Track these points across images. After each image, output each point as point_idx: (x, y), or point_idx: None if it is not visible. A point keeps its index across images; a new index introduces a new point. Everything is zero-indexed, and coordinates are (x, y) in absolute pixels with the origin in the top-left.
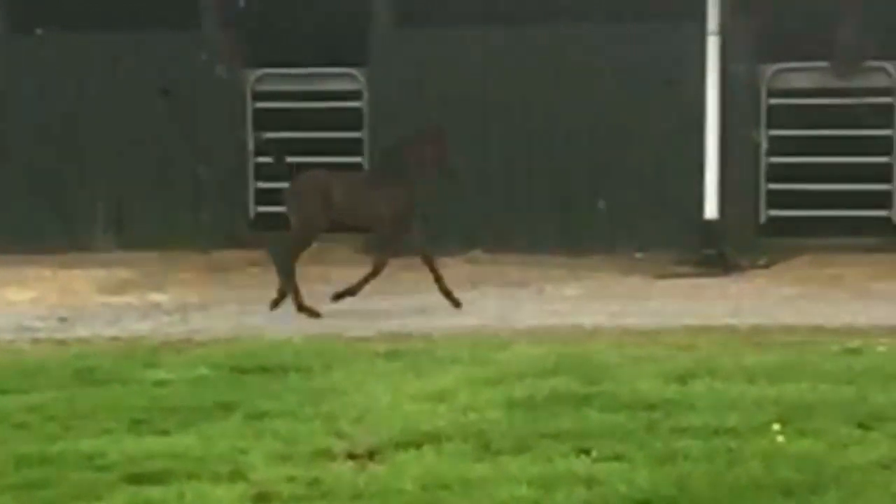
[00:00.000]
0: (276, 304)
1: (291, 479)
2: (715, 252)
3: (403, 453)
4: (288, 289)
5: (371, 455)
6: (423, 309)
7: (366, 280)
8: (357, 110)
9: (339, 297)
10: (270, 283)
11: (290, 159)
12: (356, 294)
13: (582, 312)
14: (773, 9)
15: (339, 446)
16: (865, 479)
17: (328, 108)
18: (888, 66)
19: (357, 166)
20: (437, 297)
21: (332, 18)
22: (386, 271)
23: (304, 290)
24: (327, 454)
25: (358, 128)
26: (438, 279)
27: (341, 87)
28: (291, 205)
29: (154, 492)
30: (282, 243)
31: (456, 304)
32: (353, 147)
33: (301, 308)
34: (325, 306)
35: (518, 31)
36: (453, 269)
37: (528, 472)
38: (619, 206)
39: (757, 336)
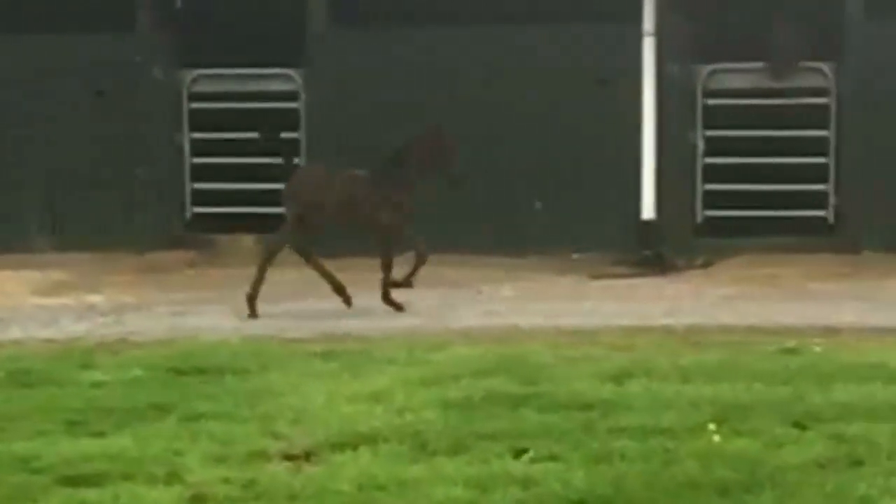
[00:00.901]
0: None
1: (227, 481)
2: (652, 253)
3: (339, 454)
4: (255, 282)
5: (307, 456)
6: (360, 310)
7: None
8: (294, 111)
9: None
10: (209, 285)
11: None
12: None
13: (519, 313)
14: (709, 10)
15: (275, 447)
16: (801, 478)
17: (265, 109)
18: (823, 66)
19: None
20: (373, 298)
21: (269, 19)
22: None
23: (239, 291)
24: (263, 455)
25: (295, 128)
26: (402, 283)
27: (278, 88)
28: (288, 199)
29: (89, 494)
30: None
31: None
32: (291, 147)
33: (251, 300)
34: (260, 309)
35: (454, 32)
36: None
37: (464, 473)
38: (556, 207)
39: (693, 336)
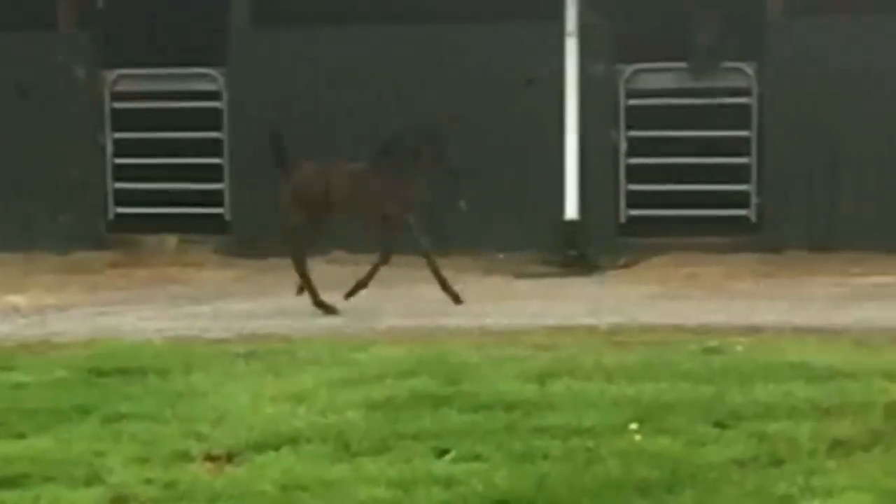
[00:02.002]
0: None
1: (149, 482)
2: (576, 252)
3: (262, 455)
4: (302, 281)
5: (229, 457)
6: (283, 310)
7: (438, 276)
8: (216, 110)
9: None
10: (133, 285)
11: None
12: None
13: (443, 313)
14: (631, 10)
15: (198, 448)
16: (721, 477)
17: (187, 109)
18: (745, 66)
19: (219, 167)
20: (297, 298)
21: (191, 19)
22: (246, 272)
23: (162, 292)
24: (185, 456)
25: (217, 128)
26: (439, 279)
27: (200, 88)
28: (287, 198)
29: (10, 496)
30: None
31: (456, 300)
32: (213, 147)
33: (316, 303)
34: (181, 309)
35: (378, 31)
36: (314, 270)
37: (387, 473)
38: (481, 207)
39: (616, 335)
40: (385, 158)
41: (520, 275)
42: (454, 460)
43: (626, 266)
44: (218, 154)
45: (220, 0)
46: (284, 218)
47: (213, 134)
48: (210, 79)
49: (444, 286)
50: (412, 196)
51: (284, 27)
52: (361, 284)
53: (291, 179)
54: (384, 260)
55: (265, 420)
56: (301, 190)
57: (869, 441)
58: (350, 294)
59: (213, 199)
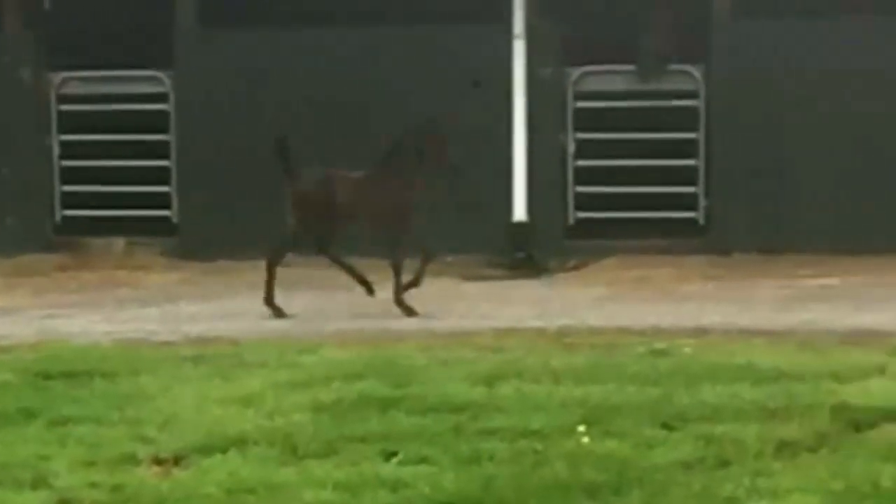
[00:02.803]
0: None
1: (95, 486)
2: (524, 254)
3: (209, 458)
4: (266, 278)
5: (176, 460)
6: (231, 313)
7: (399, 284)
8: (163, 113)
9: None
10: (80, 288)
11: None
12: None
13: (391, 315)
14: (579, 12)
15: (144, 451)
16: (668, 478)
17: (134, 111)
18: (692, 69)
19: (166, 170)
20: (244, 301)
21: (138, 21)
22: (194, 275)
23: (109, 294)
24: (132, 459)
25: (165, 130)
26: (412, 283)
27: (147, 90)
28: (292, 204)
29: None
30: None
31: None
32: (161, 149)
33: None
34: (128, 312)
35: (326, 34)
36: (261, 272)
37: (334, 476)
38: (429, 209)
39: (565, 338)
40: (389, 162)
41: (468, 277)
42: (401, 463)
43: (574, 268)
44: (165, 156)
45: (167, 2)
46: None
47: (161, 136)
48: (157, 81)
49: (400, 293)
50: (416, 199)
51: (231, 29)
52: (413, 284)
53: (295, 185)
54: (428, 258)
55: (212, 423)
56: (304, 195)
57: (815, 443)
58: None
59: (161, 201)
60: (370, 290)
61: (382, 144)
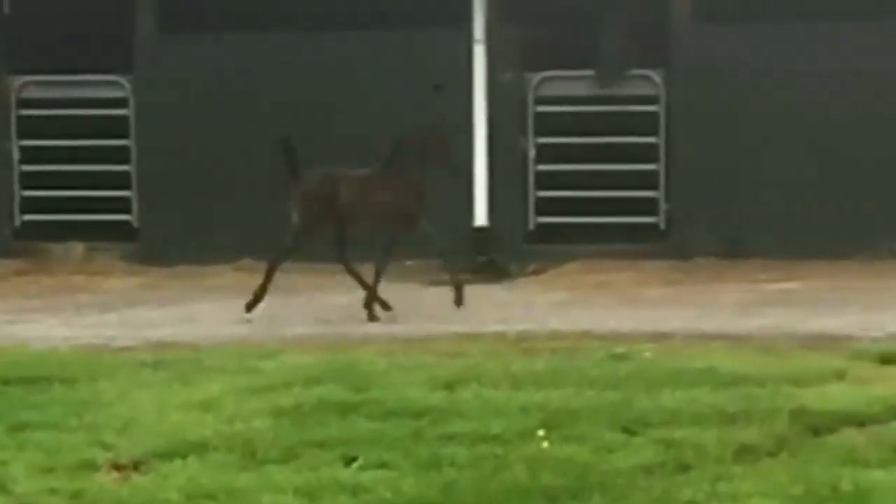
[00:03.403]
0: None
1: (54, 491)
2: (485, 259)
3: (168, 463)
4: (261, 289)
5: (136, 465)
6: (190, 318)
7: (371, 285)
8: (123, 117)
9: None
10: (39, 294)
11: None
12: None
13: (351, 320)
14: (539, 17)
15: (104, 457)
16: (629, 483)
17: (94, 116)
18: (652, 74)
19: (126, 174)
20: (204, 306)
21: (97, 25)
22: (154, 280)
23: (69, 300)
24: (91, 465)
25: (125, 135)
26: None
27: (107, 95)
28: (296, 205)
29: None
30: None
31: (459, 302)
32: (121, 154)
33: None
34: (88, 317)
35: (285, 38)
36: (222, 277)
37: (294, 481)
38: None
39: (525, 342)
40: (393, 163)
41: (429, 282)
42: (361, 468)
43: (535, 273)
44: (125, 161)
45: (127, 7)
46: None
47: (121, 141)
48: (117, 86)
49: (368, 301)
50: (421, 200)
51: (191, 34)
52: (457, 290)
53: (300, 186)
54: (454, 269)
55: (171, 428)
56: (309, 197)
57: (775, 447)
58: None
59: (121, 206)
60: (384, 305)
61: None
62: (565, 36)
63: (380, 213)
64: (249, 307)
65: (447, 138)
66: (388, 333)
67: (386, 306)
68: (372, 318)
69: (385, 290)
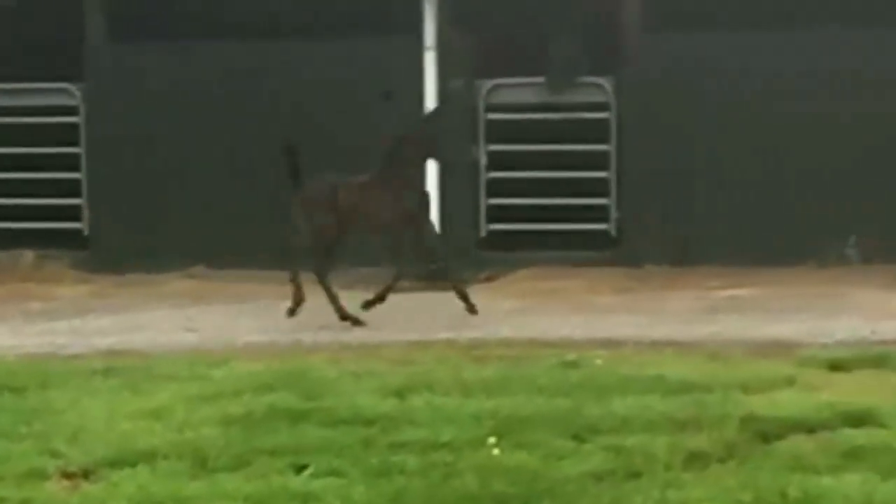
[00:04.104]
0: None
1: (3, 500)
2: (436, 266)
3: (118, 472)
4: (329, 299)
5: (85, 474)
6: (141, 326)
7: (388, 288)
8: (74, 125)
9: (368, 304)
10: None
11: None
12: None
13: (302, 327)
14: (490, 25)
15: (53, 465)
16: (579, 490)
17: (45, 124)
18: (603, 81)
19: (76, 182)
20: (156, 313)
21: (47, 33)
22: (104, 288)
23: (19, 308)
24: (40, 474)
25: (75, 143)
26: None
27: (57, 102)
28: (300, 214)
29: None
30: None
31: (472, 310)
32: (71, 162)
33: (344, 316)
34: (38, 325)
35: (235, 47)
36: (172, 285)
37: (244, 490)
38: None
39: (476, 350)
40: (390, 167)
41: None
42: (312, 476)
43: (487, 280)
44: (76, 169)
45: (77, 15)
46: (299, 233)
47: (71, 149)
48: (67, 94)
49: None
50: (421, 205)
51: (142, 42)
52: (464, 300)
53: (301, 192)
54: (455, 279)
55: (121, 436)
56: (310, 203)
57: (724, 454)
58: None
59: (71, 213)
60: (357, 321)
61: (383, 145)
62: (516, 43)
63: (383, 218)
64: (354, 318)
65: (436, 137)
66: (339, 341)
67: (358, 322)
68: (356, 323)
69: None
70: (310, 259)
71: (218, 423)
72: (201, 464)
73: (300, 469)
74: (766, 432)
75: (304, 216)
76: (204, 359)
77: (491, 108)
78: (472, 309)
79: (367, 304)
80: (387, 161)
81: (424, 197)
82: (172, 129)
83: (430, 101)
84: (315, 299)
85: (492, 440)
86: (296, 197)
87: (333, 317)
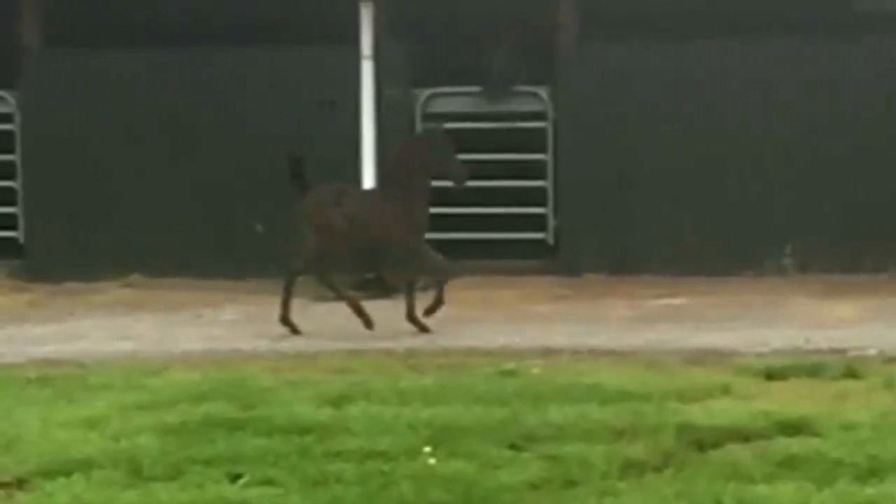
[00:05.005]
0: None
1: None
2: (374, 275)
3: (52, 481)
4: (347, 301)
5: (20, 483)
6: (77, 335)
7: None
8: (9, 133)
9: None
10: None
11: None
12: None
13: (240, 336)
14: (427, 34)
15: None
16: (515, 499)
17: None
18: (540, 90)
19: (12, 190)
20: (92, 322)
21: None
22: (40, 297)
23: None
24: None
25: (10, 150)
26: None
27: None
28: (304, 221)
29: None
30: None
31: (423, 329)
32: (7, 170)
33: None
34: None
35: (173, 53)
36: (109, 294)
37: (179, 499)
38: (278, 229)
39: (413, 358)
40: (395, 177)
41: (317, 298)
42: (247, 485)
43: (424, 289)
44: (11, 177)
45: (12, 22)
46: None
47: (6, 157)
48: (2, 101)
49: (410, 315)
50: (424, 217)
51: (77, 49)
52: (410, 315)
53: (304, 202)
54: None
55: (56, 446)
56: (313, 213)
57: (660, 462)
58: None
59: (7, 222)
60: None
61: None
62: (453, 52)
63: (379, 232)
64: (368, 322)
65: (449, 147)
66: (276, 350)
67: (296, 330)
68: (422, 329)
69: (272, 306)
70: (313, 268)
71: (154, 433)
72: (136, 473)
73: (235, 478)
74: (702, 441)
75: (309, 225)
76: (140, 368)
77: (428, 117)
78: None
79: (429, 311)
80: (393, 171)
81: (424, 212)
82: (108, 137)
83: (368, 111)
84: (257, 308)
85: (428, 449)
86: (301, 206)
87: (272, 326)
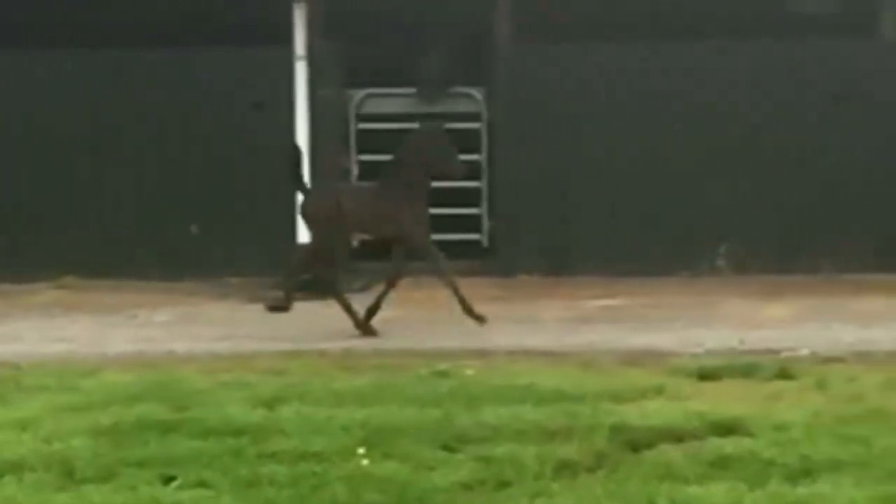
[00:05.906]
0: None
1: None
2: (310, 276)
3: None
4: (342, 306)
5: None
6: (10, 336)
7: (457, 295)
8: None
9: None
10: None
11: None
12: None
13: (175, 338)
14: (361, 35)
15: None
16: (448, 500)
17: None
18: (474, 91)
19: None
20: (26, 324)
21: None
22: None
23: None
24: None
25: None
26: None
27: None
28: (308, 220)
29: None
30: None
31: (480, 320)
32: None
33: (359, 325)
34: None
35: (105, 55)
36: (42, 295)
37: (112, 501)
38: (214, 231)
39: (348, 360)
40: (396, 175)
41: (252, 299)
42: (180, 487)
43: (360, 290)
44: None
45: None
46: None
47: None
48: None
49: (466, 308)
50: (425, 213)
51: (13, 48)
52: (373, 310)
53: (306, 200)
54: (392, 283)
55: None
56: (315, 210)
57: (594, 463)
58: (367, 320)
59: None
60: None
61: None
62: (387, 54)
63: (379, 229)
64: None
65: (442, 142)
66: (211, 351)
67: (371, 332)
68: (370, 332)
69: (208, 307)
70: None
71: (86, 434)
72: (69, 475)
73: (168, 480)
74: (636, 441)
75: (309, 224)
76: (74, 369)
77: (362, 118)
78: (482, 318)
79: (469, 312)
80: (393, 168)
81: (425, 209)
82: (42, 137)
83: (302, 111)
84: (193, 309)
85: (361, 450)
86: (305, 205)
87: (206, 328)
